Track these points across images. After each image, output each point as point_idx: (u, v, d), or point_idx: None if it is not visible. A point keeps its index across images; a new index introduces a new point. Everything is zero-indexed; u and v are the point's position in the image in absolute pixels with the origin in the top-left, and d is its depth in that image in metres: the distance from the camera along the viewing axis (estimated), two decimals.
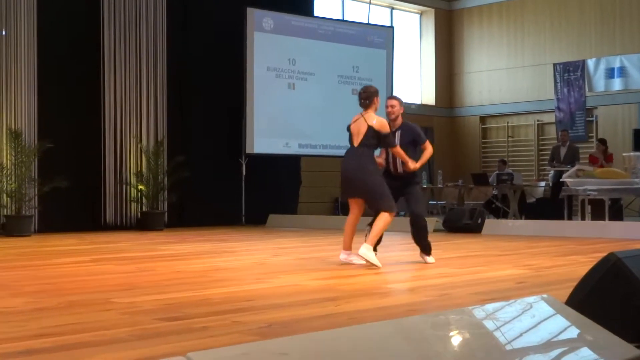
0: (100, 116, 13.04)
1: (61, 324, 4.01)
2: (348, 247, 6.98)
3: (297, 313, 4.37)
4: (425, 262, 7.08)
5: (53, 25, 12.47)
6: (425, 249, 7.16)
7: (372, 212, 7.01)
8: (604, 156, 13.70)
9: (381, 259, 6.94)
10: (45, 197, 11.90)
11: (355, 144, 6.82)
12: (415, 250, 7.37)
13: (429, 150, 7.22)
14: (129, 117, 13.38)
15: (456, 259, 7.64)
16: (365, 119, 6.79)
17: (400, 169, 7.07)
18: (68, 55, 12.68)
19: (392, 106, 7.09)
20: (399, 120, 7.11)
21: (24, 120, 12.13)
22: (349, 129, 6.96)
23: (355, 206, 6.98)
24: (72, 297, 5.02)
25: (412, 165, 6.96)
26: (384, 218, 6.75)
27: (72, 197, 12.33)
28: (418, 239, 7.13)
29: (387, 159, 7.14)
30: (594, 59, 17.04)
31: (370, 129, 6.72)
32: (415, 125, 7.26)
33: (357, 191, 6.83)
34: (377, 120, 6.77)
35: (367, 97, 6.87)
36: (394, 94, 16.23)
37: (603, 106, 17.33)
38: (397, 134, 7.05)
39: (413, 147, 7.13)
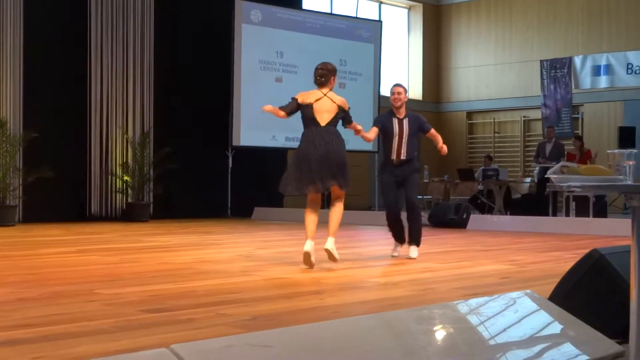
0: (86, 106, 12.98)
1: (45, 314, 4.00)
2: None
3: (281, 306, 4.37)
4: (408, 256, 7.09)
5: (39, 14, 12.39)
6: (415, 240, 7.17)
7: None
8: (580, 152, 13.79)
9: (365, 253, 6.96)
10: (30, 187, 11.84)
11: (323, 123, 6.38)
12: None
13: (436, 134, 7.27)
14: (115, 107, 13.33)
15: (441, 254, 7.67)
16: (330, 98, 6.42)
17: (404, 155, 7.07)
18: (54, 45, 12.60)
19: (399, 93, 7.09)
20: (404, 109, 7.13)
21: (9, 109, 12.05)
22: (310, 107, 6.39)
23: (319, 197, 6.54)
24: (56, 287, 5.00)
25: (366, 134, 6.89)
26: (342, 206, 6.49)
27: (57, 188, 12.27)
28: (411, 226, 7.17)
29: (390, 148, 7.07)
30: (580, 56, 17.11)
31: (340, 108, 6.43)
32: (419, 114, 7.34)
33: (339, 178, 6.35)
34: (339, 99, 6.49)
35: (323, 75, 6.50)
36: (381, 88, 16.27)
37: (589, 103, 17.40)
38: (405, 122, 7.09)
39: (417, 137, 7.19)
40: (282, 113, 6.52)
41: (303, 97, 6.48)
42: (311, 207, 6.50)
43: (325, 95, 6.47)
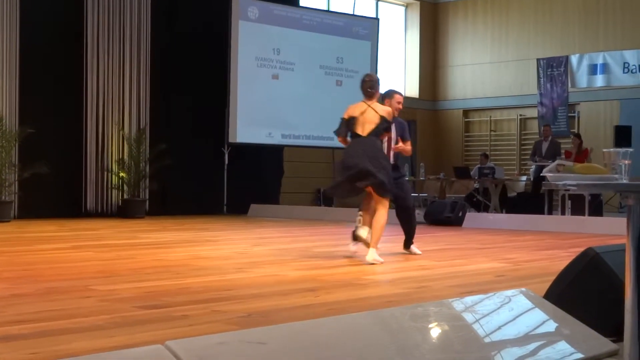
0: (82, 102, 12.95)
1: (39, 310, 3.99)
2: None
3: (276, 303, 4.37)
4: (412, 253, 7.20)
5: (35, 10, 12.36)
6: (412, 240, 7.30)
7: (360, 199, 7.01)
8: (578, 150, 13.80)
9: (360, 251, 6.96)
10: (26, 182, 11.82)
11: (364, 133, 6.60)
12: (395, 242, 7.38)
13: (409, 148, 7.35)
14: (111, 103, 13.30)
15: (436, 252, 7.67)
16: (374, 109, 6.65)
17: (392, 159, 7.21)
18: (50, 40, 12.57)
19: (402, 103, 7.33)
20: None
21: (4, 105, 12.02)
22: (354, 119, 6.64)
23: (368, 200, 6.75)
24: (51, 283, 5.00)
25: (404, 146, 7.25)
26: (380, 213, 6.58)
27: (52, 183, 12.25)
28: (408, 227, 7.27)
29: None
30: (577, 55, 17.12)
31: (382, 119, 6.64)
32: (404, 121, 7.46)
33: (372, 176, 6.46)
34: (384, 109, 6.74)
35: (372, 86, 6.73)
36: (381, 86, 16.27)
37: (585, 102, 17.41)
38: (393, 127, 7.20)
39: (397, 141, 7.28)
40: (341, 138, 6.86)
41: (349, 112, 6.73)
42: (364, 209, 6.77)
43: (369, 106, 6.68)
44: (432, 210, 12.41)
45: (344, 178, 6.57)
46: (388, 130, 6.82)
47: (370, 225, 6.63)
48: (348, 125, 6.70)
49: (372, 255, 6.43)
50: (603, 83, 16.76)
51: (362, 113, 6.64)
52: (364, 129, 6.61)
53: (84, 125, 12.99)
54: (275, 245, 8.20)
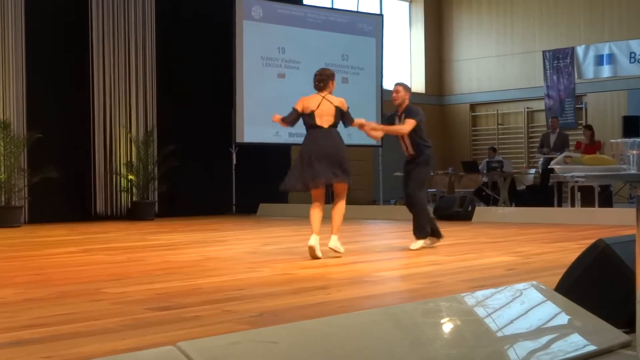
0: (89, 106, 12.98)
1: (51, 314, 4.01)
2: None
3: (287, 302, 4.37)
4: (409, 247, 7.22)
5: (41, 14, 12.40)
6: (417, 232, 7.31)
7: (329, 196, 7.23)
8: (590, 141, 13.74)
9: (371, 247, 6.96)
10: (35, 187, 11.86)
11: (326, 125, 6.76)
12: (405, 238, 7.38)
13: (400, 127, 7.31)
14: (118, 106, 13.33)
15: (446, 247, 7.66)
16: (329, 101, 6.79)
17: (411, 150, 7.34)
18: (57, 45, 12.61)
19: (397, 91, 7.36)
20: (405, 104, 7.35)
21: (12, 110, 12.06)
22: (312, 114, 6.77)
23: (322, 193, 6.91)
24: (63, 287, 5.01)
25: (373, 133, 7.41)
26: (343, 204, 6.93)
27: (62, 188, 12.29)
28: (414, 218, 7.34)
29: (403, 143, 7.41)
30: (583, 46, 17.05)
31: (337, 109, 6.78)
32: (416, 108, 7.44)
33: (339, 173, 6.72)
34: (338, 99, 6.84)
35: (321, 80, 6.88)
36: (384, 82, 16.27)
37: (592, 93, 17.36)
38: (403, 116, 7.32)
39: (414, 130, 7.30)
40: (285, 124, 7.03)
41: (303, 104, 6.87)
42: (315, 203, 6.88)
43: (324, 98, 6.83)
44: (441, 205, 12.40)
45: (300, 172, 6.71)
46: (349, 119, 6.89)
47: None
48: (304, 118, 6.84)
49: (333, 242, 6.70)
50: (610, 73, 16.70)
51: (318, 106, 6.78)
52: (323, 121, 6.77)
53: (92, 128, 13.02)
54: (285, 244, 8.21)
